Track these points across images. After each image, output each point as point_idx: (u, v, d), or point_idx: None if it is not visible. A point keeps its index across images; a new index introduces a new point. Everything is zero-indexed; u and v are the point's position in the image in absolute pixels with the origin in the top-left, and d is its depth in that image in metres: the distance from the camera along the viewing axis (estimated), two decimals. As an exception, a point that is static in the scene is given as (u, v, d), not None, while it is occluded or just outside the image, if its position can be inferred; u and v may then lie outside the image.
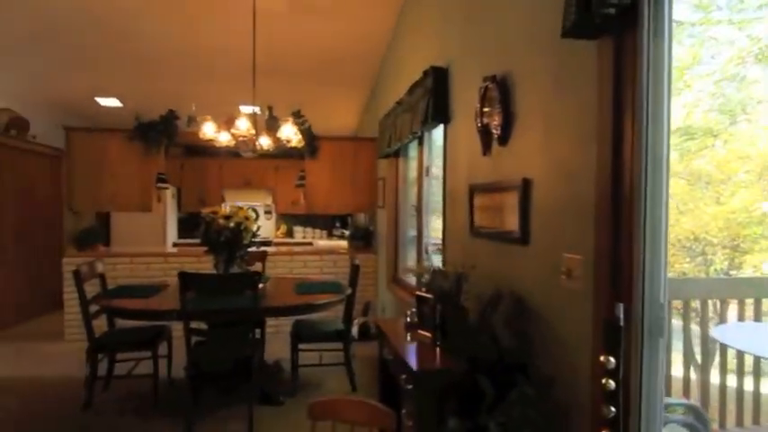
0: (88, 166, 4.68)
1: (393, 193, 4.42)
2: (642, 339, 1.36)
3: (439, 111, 2.71)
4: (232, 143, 3.41)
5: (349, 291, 3.43)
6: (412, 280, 3.92)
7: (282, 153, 7.26)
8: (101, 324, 3.21)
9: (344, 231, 7.39)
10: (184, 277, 2.65)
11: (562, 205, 1.64)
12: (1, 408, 3.13)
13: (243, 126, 3.11)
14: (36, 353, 4.33)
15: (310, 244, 7.06)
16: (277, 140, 3.35)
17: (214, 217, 3.16)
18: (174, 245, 6.76)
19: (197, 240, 6.74)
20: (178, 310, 2.71)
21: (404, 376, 1.89)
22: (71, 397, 3.27)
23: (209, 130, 3.23)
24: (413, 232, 4.27)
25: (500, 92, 1.98)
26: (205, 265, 4.75)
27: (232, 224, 3.17)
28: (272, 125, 3.96)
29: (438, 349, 2.02)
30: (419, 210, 3.62)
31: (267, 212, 7.42)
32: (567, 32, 1.39)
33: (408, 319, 2.33)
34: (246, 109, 5.73)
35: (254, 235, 3.34)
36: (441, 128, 2.96)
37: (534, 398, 1.58)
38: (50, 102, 5.91)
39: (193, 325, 2.80)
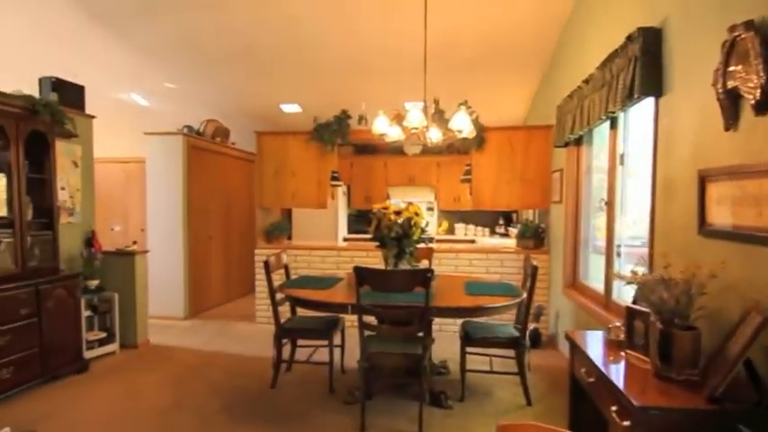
0: (274, 167, 5.20)
1: (573, 186, 3.91)
2: None
3: (649, 81, 2.21)
4: (402, 137, 3.37)
5: (524, 294, 3.09)
6: (598, 286, 3.39)
7: (445, 148, 7.22)
8: (285, 310, 3.48)
9: (509, 229, 6.96)
10: (360, 272, 2.67)
11: None
12: (208, 379, 3.61)
13: (415, 118, 3.01)
14: (233, 332, 4.97)
15: (472, 241, 6.82)
16: (448, 132, 3.19)
17: (385, 212, 3.15)
18: (345, 239, 7.20)
19: (365, 235, 7.07)
20: (354, 303, 2.75)
21: (615, 408, 1.53)
22: (261, 374, 3.62)
23: (381, 125, 3.22)
24: (593, 230, 3.72)
25: (761, 41, 1.46)
26: (374, 259, 4.90)
27: (402, 220, 3.12)
28: (439, 118, 3.83)
29: (658, 378, 1.59)
30: (610, 204, 3.09)
31: (429, 209, 7.41)
32: None
33: (612, 335, 1.92)
34: (411, 105, 5.77)
35: (423, 231, 3.24)
36: (645, 105, 2.45)
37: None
38: (245, 111, 6.80)
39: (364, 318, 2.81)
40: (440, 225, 7.75)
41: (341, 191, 6.98)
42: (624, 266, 3.04)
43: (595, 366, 1.72)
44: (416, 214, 3.17)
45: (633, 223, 3.04)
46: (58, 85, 3.98)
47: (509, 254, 4.71)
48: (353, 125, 5.08)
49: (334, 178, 5.14)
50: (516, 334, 3.16)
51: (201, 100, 6.39)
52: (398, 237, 3.13)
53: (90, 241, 4.23)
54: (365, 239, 6.73)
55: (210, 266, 6.02)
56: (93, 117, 4.33)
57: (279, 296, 3.35)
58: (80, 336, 3.75)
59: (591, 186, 3.76)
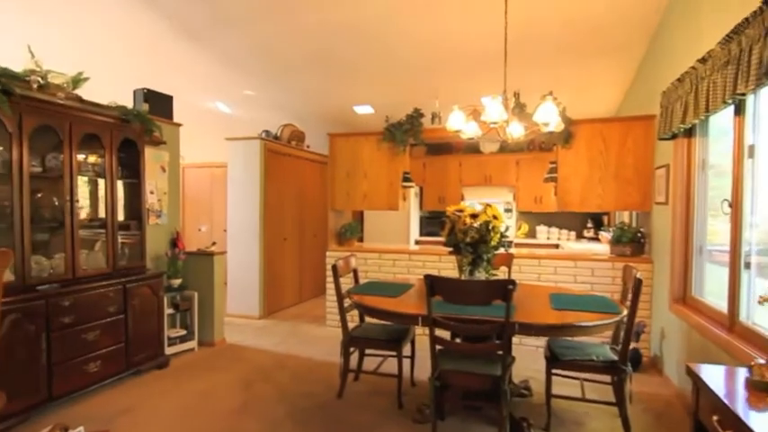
0: (345, 169, 5.11)
1: (683, 184, 3.35)
2: None
3: (801, 51, 1.74)
4: (479, 134, 3.08)
5: (624, 311, 2.66)
6: (717, 302, 2.85)
7: (526, 146, 6.74)
8: (354, 314, 3.32)
9: (601, 232, 6.30)
10: (431, 281, 2.43)
11: None
12: (277, 382, 3.57)
13: (494, 112, 2.71)
14: (304, 334, 4.94)
15: (556, 246, 6.27)
16: (532, 126, 2.85)
17: (459, 215, 2.87)
18: (416, 242, 6.99)
19: (438, 239, 6.81)
20: (424, 315, 2.51)
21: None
22: (328, 381, 3.51)
23: (456, 121, 2.95)
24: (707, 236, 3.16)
25: None
26: (447, 264, 4.63)
27: (478, 224, 2.82)
28: (520, 112, 3.48)
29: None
30: (736, 206, 2.56)
31: (507, 210, 6.96)
32: None
33: (755, 376, 1.51)
34: (488, 100, 5.42)
35: (503, 236, 2.92)
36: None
37: None
38: (319, 115, 6.84)
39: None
40: (519, 228, 7.25)
41: (413, 192, 6.78)
42: (754, 280, 2.50)
43: (738, 420, 1.33)
44: (495, 217, 2.86)
45: (754, 227, 2.50)
46: (150, 95, 4.19)
47: (601, 262, 4.19)
48: (426, 124, 4.85)
49: (405, 179, 4.93)
50: (614, 357, 2.73)
51: (279, 105, 6.52)
52: (474, 242, 2.84)
53: (175, 242, 4.40)
54: (438, 242, 6.47)
55: (285, 267, 6.09)
56: (179, 125, 4.50)
57: (347, 302, 3.21)
58: (162, 333, 3.89)
59: (706, 184, 3.20)
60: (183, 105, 4.81)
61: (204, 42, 4.66)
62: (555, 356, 2.79)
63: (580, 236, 6.88)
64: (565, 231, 6.88)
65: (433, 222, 7.40)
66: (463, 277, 2.98)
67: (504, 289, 2.32)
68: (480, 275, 2.94)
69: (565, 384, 3.16)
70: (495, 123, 2.77)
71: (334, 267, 3.23)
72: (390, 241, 6.47)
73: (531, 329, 2.49)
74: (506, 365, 2.51)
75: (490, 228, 2.82)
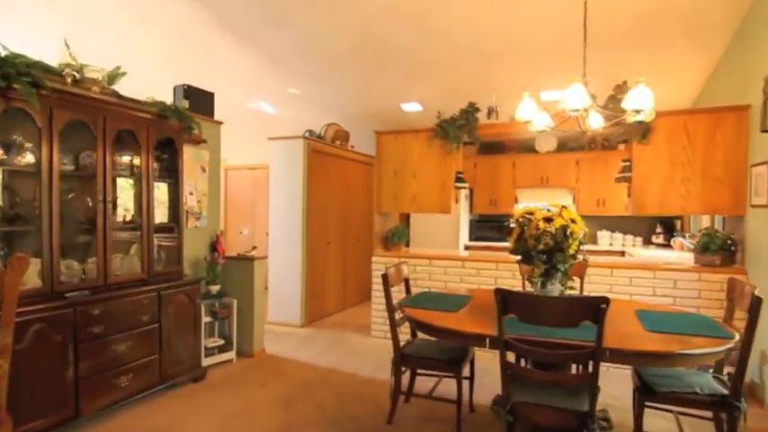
0: (393, 169, 4.78)
1: (799, 183, 2.81)
2: None
3: None
4: (551, 126, 2.67)
5: (736, 335, 2.18)
6: None
7: (586, 144, 6.21)
8: (405, 325, 2.97)
9: (675, 238, 5.67)
10: (505, 296, 2.05)
11: None
12: (320, 401, 3.26)
13: (576, 97, 2.30)
14: (348, 345, 4.63)
15: (622, 254, 5.69)
16: (617, 113, 2.42)
17: (530, 218, 2.48)
18: (466, 248, 6.56)
19: (488, 243, 6.36)
20: (493, 336, 2.13)
21: None
22: (376, 402, 3.18)
23: (527, 110, 2.56)
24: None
25: None
26: (503, 273, 4.21)
27: (553, 229, 2.42)
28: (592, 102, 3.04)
29: None
30: None
31: (565, 214, 6.41)
32: None
33: None
34: (548, 95, 4.96)
35: (581, 242, 2.50)
36: None
37: None
38: (365, 114, 6.56)
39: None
40: (577, 233, 6.68)
41: (463, 194, 6.36)
42: None
43: None
44: (573, 221, 2.45)
45: None
46: (190, 92, 4.02)
47: (686, 272, 3.66)
48: (481, 119, 4.45)
49: (459, 180, 4.54)
50: (722, 390, 2.26)
51: (323, 105, 6.30)
52: (548, 250, 2.43)
53: (214, 246, 4.20)
54: (488, 248, 6.02)
55: (327, 273, 5.83)
56: (220, 123, 4.32)
57: (397, 314, 2.87)
58: (199, 343, 3.67)
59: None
60: (227, 107, 4.64)
61: (248, 38, 4.47)
62: (647, 386, 2.34)
63: (648, 242, 6.25)
64: (630, 237, 6.26)
65: (483, 227, 6.96)
66: (532, 290, 2.58)
67: (596, 308, 1.91)
68: (554, 288, 2.53)
69: (652, 416, 2.68)
70: (575, 111, 2.36)
71: (385, 277, 2.89)
72: (438, 246, 6.08)
73: (625, 356, 2.06)
74: (594, 397, 2.09)
75: (568, 233, 2.41)
